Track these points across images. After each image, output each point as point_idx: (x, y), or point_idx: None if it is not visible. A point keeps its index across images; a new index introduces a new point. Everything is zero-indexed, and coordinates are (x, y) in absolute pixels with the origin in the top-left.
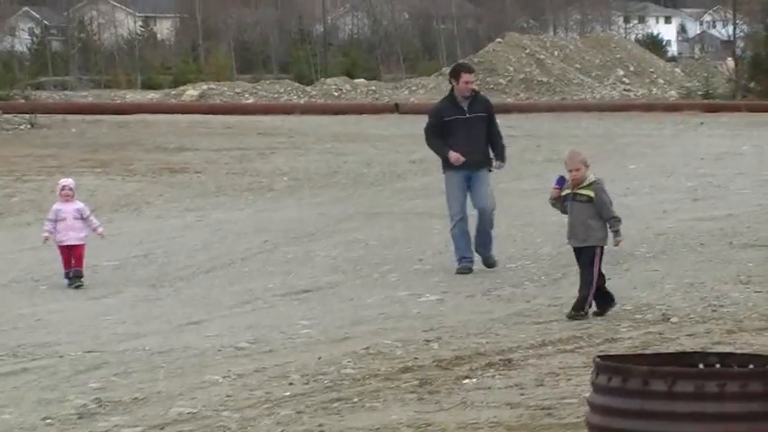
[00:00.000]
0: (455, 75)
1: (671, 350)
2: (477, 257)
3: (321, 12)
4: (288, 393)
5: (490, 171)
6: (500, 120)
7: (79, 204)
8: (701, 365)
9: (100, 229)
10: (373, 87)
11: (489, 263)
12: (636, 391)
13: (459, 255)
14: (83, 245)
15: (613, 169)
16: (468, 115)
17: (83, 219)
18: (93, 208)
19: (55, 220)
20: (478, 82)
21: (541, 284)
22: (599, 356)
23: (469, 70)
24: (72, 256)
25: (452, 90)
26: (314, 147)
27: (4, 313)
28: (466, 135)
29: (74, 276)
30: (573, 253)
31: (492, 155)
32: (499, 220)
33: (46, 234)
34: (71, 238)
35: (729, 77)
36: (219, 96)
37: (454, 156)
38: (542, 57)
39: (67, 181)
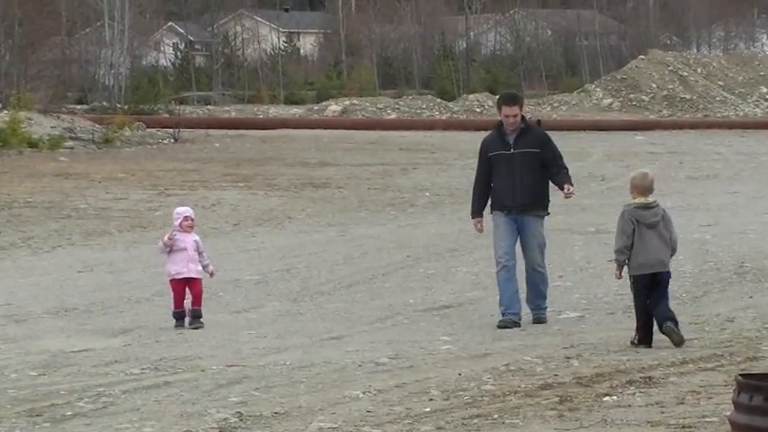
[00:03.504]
0: (498, 106)
1: None
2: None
3: (464, 28)
4: (428, 409)
5: (544, 216)
6: (643, 137)
7: (196, 236)
8: None
9: (211, 268)
10: None
11: (538, 318)
12: None
13: (503, 307)
14: (200, 279)
15: (756, 186)
16: (512, 151)
17: (198, 254)
18: (236, 221)
19: (170, 250)
20: (620, 99)
21: (682, 302)
22: (740, 375)
23: (509, 102)
24: (190, 292)
25: (501, 121)
26: (455, 162)
27: (146, 326)
28: (509, 174)
29: (194, 317)
30: (650, 280)
31: (561, 188)
32: None
33: (166, 238)
34: (192, 271)
35: None
36: (362, 112)
37: (474, 223)
38: (685, 74)
39: (188, 211)
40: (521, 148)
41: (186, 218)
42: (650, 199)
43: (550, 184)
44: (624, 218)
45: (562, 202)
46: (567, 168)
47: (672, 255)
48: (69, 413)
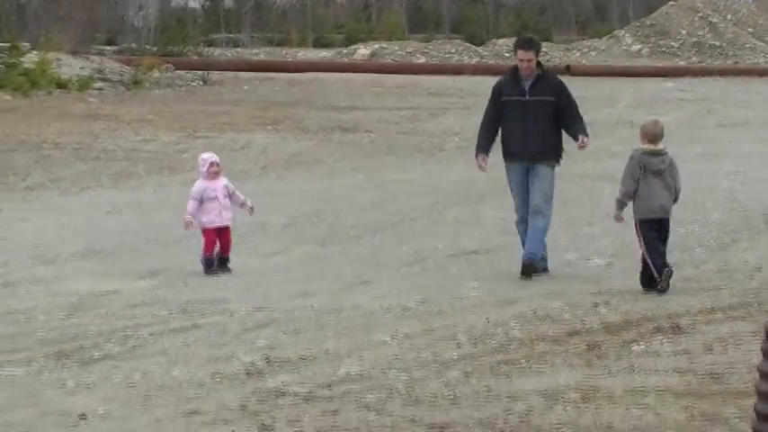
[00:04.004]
0: (514, 52)
1: None
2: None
3: None
4: (455, 355)
5: (554, 165)
6: (672, 83)
7: (225, 180)
8: None
9: (249, 203)
10: (545, 49)
11: (530, 265)
12: None
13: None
14: (230, 227)
15: None
16: (527, 98)
17: (231, 196)
18: (265, 165)
19: (201, 199)
20: (650, 45)
21: (710, 250)
22: None
23: (525, 46)
24: (220, 240)
25: (516, 66)
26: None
27: (174, 269)
28: (522, 121)
29: (221, 263)
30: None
31: (576, 138)
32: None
33: (189, 218)
34: (225, 219)
35: None
36: (391, 56)
37: (477, 161)
38: (715, 20)
39: (213, 156)
40: (536, 96)
41: (212, 164)
42: (660, 146)
43: (564, 134)
44: (632, 162)
45: (591, 149)
46: (582, 118)
47: (674, 202)
48: (97, 355)
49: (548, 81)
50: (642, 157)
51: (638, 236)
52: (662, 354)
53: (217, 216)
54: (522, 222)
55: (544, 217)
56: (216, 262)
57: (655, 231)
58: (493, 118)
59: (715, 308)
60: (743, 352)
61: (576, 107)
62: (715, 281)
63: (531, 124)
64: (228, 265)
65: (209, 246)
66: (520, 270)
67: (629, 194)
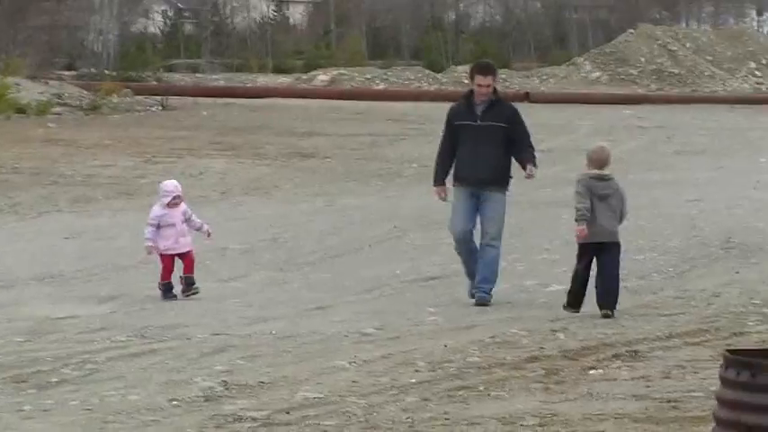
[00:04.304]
0: (471, 75)
1: None
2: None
3: None
4: (414, 380)
5: (504, 192)
6: (631, 110)
7: (183, 205)
8: None
9: (206, 227)
10: (504, 76)
11: (481, 300)
12: (766, 386)
13: (472, 284)
14: (192, 250)
15: (744, 162)
16: (479, 122)
17: (188, 221)
18: (223, 190)
19: (158, 225)
20: (609, 72)
21: (668, 276)
22: (728, 350)
23: (483, 71)
24: (182, 261)
25: (471, 90)
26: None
27: (131, 294)
28: (473, 146)
29: (188, 284)
30: (596, 249)
31: (524, 167)
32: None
33: (150, 244)
34: (182, 245)
35: None
36: (350, 82)
37: (436, 191)
38: (674, 48)
39: (177, 189)
40: (488, 121)
41: (176, 197)
42: (605, 171)
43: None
44: (580, 184)
45: (550, 176)
46: (533, 147)
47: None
48: (55, 380)
49: (501, 107)
50: (589, 182)
51: (577, 257)
52: (620, 379)
53: (174, 243)
54: (461, 244)
55: (496, 248)
56: (181, 283)
57: (590, 256)
58: (448, 145)
59: (673, 334)
60: (701, 378)
61: (528, 136)
62: (673, 307)
63: (482, 150)
64: (195, 285)
65: (166, 273)
66: (474, 301)
67: (588, 209)
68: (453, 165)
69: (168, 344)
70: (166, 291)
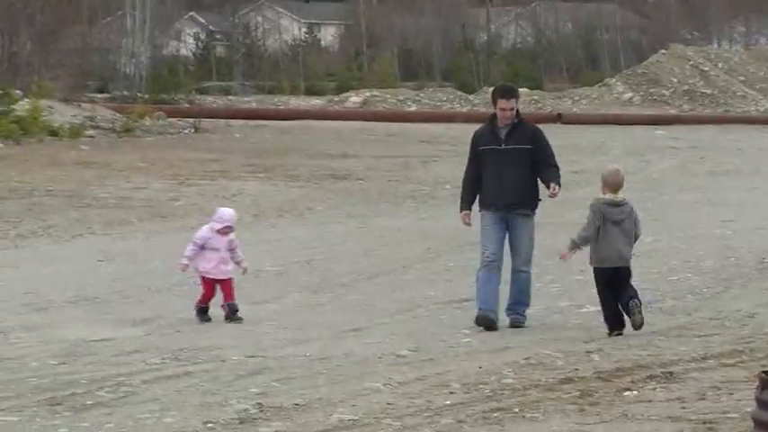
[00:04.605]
0: (493, 99)
1: None
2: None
3: (485, 21)
4: (448, 402)
5: (532, 215)
6: (663, 131)
7: (232, 235)
8: None
9: (245, 264)
10: (536, 97)
11: (515, 322)
12: None
13: (479, 303)
14: (231, 278)
15: None
16: (503, 146)
17: (231, 251)
18: (257, 212)
19: (203, 247)
20: (641, 93)
21: (703, 297)
22: (764, 372)
23: (506, 95)
24: (221, 290)
25: (494, 114)
26: None
27: (166, 316)
28: (498, 170)
29: (232, 311)
30: (612, 274)
31: (548, 186)
32: (661, 232)
33: (185, 261)
34: (221, 272)
35: None
36: (382, 103)
37: (462, 216)
38: (706, 69)
39: (232, 218)
40: (512, 144)
41: (229, 228)
42: (620, 196)
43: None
44: (593, 210)
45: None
46: (557, 167)
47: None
48: (90, 402)
49: (524, 129)
50: (602, 207)
51: (596, 284)
52: (655, 401)
53: (214, 268)
54: (485, 269)
55: (527, 273)
56: (224, 310)
57: (608, 281)
58: (474, 170)
59: (708, 355)
60: (736, 399)
61: (552, 155)
62: (708, 328)
63: (507, 173)
64: (239, 313)
65: (206, 297)
66: (509, 323)
67: (587, 240)
68: (479, 190)
69: (203, 366)
70: (202, 313)
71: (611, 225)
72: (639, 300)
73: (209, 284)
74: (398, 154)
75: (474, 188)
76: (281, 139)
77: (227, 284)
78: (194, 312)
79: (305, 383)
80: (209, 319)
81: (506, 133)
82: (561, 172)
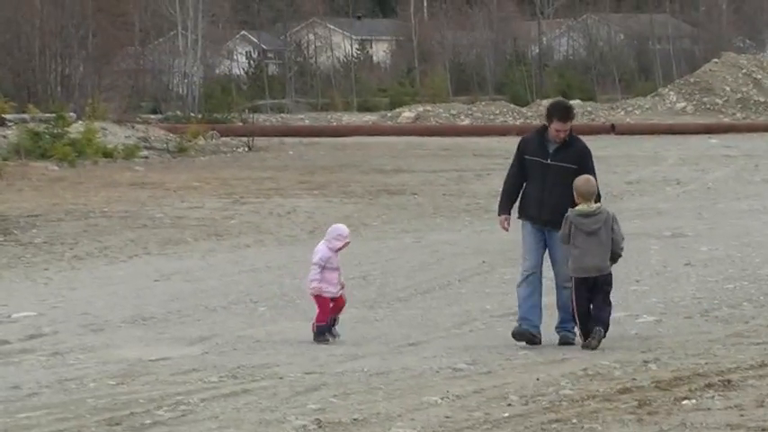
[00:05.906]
0: (548, 116)
1: None
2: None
3: (536, 33)
4: (507, 414)
5: None
6: (717, 139)
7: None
8: None
9: (342, 279)
10: (589, 108)
11: (565, 339)
12: None
13: (520, 315)
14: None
15: None
16: (549, 161)
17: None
18: (312, 229)
19: (323, 267)
20: (694, 102)
21: (760, 305)
22: None
23: (563, 117)
24: (336, 304)
25: (545, 126)
26: None
27: (223, 334)
28: (540, 184)
29: (333, 325)
30: (591, 283)
31: None
32: (716, 240)
33: (316, 285)
34: (340, 290)
35: None
36: (435, 118)
37: (501, 220)
38: (759, 76)
39: (349, 234)
40: (558, 161)
41: (348, 244)
42: (593, 206)
43: None
44: (565, 223)
45: (638, 207)
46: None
47: (614, 259)
48: (148, 421)
49: (573, 147)
50: (575, 219)
51: (572, 292)
52: (713, 409)
53: (336, 287)
54: (526, 283)
55: (569, 289)
56: (331, 322)
57: (588, 290)
58: (517, 176)
59: (765, 363)
60: None
61: (594, 176)
62: (765, 336)
63: (549, 190)
64: (337, 327)
65: (323, 315)
66: (559, 340)
67: (567, 234)
68: (520, 197)
69: (261, 383)
70: (321, 333)
71: (585, 236)
72: (605, 331)
73: (326, 302)
74: (452, 168)
75: (514, 194)
76: (335, 156)
77: (340, 300)
78: (313, 334)
79: (363, 399)
80: (326, 340)
81: (555, 149)
82: (616, 182)
